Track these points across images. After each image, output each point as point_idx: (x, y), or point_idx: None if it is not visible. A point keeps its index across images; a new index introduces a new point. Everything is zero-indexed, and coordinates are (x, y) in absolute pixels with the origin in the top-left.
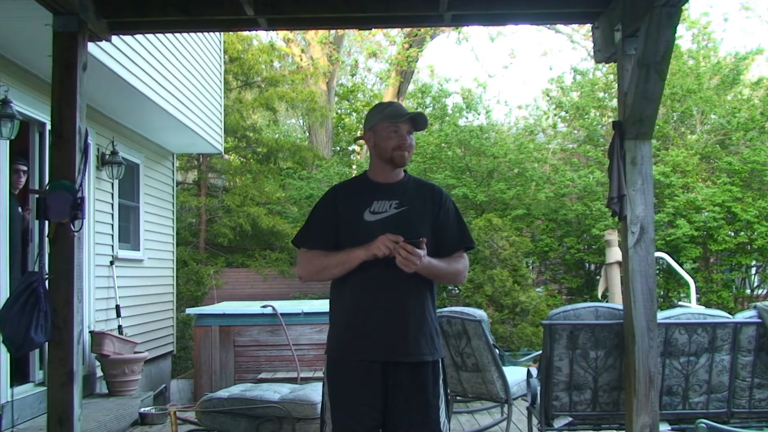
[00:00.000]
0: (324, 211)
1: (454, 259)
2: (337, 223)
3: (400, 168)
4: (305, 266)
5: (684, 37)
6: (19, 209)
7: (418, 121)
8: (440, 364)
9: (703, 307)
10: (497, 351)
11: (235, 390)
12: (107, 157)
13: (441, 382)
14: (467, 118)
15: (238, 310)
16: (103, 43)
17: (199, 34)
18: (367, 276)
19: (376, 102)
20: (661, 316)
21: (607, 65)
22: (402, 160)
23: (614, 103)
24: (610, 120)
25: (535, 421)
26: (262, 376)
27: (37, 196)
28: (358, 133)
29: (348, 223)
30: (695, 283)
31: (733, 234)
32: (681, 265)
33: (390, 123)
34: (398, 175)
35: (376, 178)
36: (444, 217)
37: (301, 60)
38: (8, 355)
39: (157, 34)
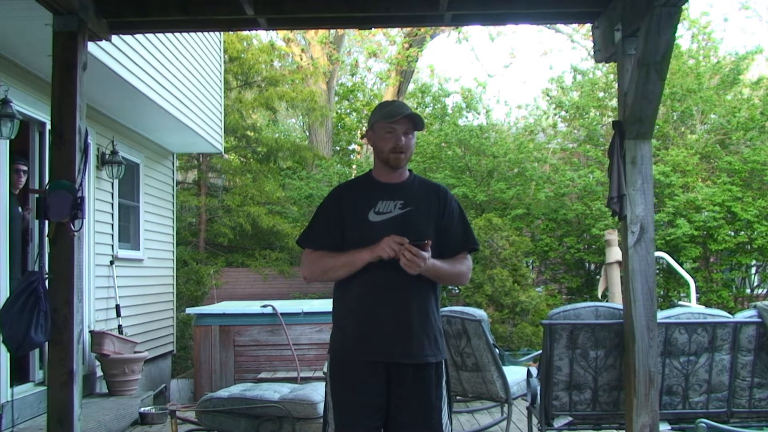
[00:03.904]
0: (328, 211)
1: (457, 261)
2: (342, 223)
3: (397, 169)
4: (310, 267)
5: (684, 37)
6: (19, 209)
7: (415, 121)
8: (443, 366)
9: (703, 307)
10: (497, 351)
11: (235, 390)
12: (107, 156)
13: (444, 383)
14: (467, 117)
15: (238, 309)
16: (103, 43)
17: (199, 34)
18: (371, 277)
19: (377, 102)
20: (661, 315)
21: (607, 65)
22: (396, 162)
23: (614, 102)
24: (610, 120)
25: (535, 420)
26: (262, 375)
27: (37, 195)
28: (358, 134)
29: (353, 223)
30: (695, 282)
31: (733, 234)
32: (681, 264)
33: (386, 123)
34: (403, 175)
35: (380, 178)
36: (448, 218)
37: (301, 60)
38: (8, 354)
39: (157, 34)
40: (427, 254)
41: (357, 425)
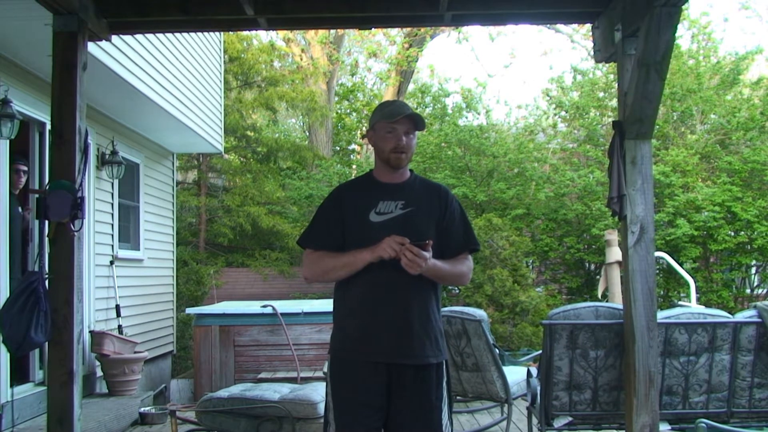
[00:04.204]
0: (329, 211)
1: (458, 261)
2: (343, 223)
3: (398, 169)
4: (311, 267)
5: (684, 37)
6: (19, 209)
7: (416, 121)
8: (444, 366)
9: (703, 307)
10: (497, 351)
11: (235, 390)
12: (107, 156)
13: (444, 384)
14: (467, 117)
15: (238, 309)
16: (103, 43)
17: (199, 34)
18: (372, 278)
19: (377, 102)
20: (661, 315)
21: (607, 65)
22: (397, 162)
23: (614, 102)
24: (610, 120)
25: (535, 420)
26: (262, 375)
27: (37, 196)
28: (358, 134)
29: (353, 224)
30: (695, 282)
31: (733, 234)
32: (681, 264)
33: (387, 122)
34: (404, 175)
35: (381, 178)
36: (449, 218)
37: (301, 60)
38: (8, 354)
39: (157, 34)
40: (428, 254)
41: (357, 425)
